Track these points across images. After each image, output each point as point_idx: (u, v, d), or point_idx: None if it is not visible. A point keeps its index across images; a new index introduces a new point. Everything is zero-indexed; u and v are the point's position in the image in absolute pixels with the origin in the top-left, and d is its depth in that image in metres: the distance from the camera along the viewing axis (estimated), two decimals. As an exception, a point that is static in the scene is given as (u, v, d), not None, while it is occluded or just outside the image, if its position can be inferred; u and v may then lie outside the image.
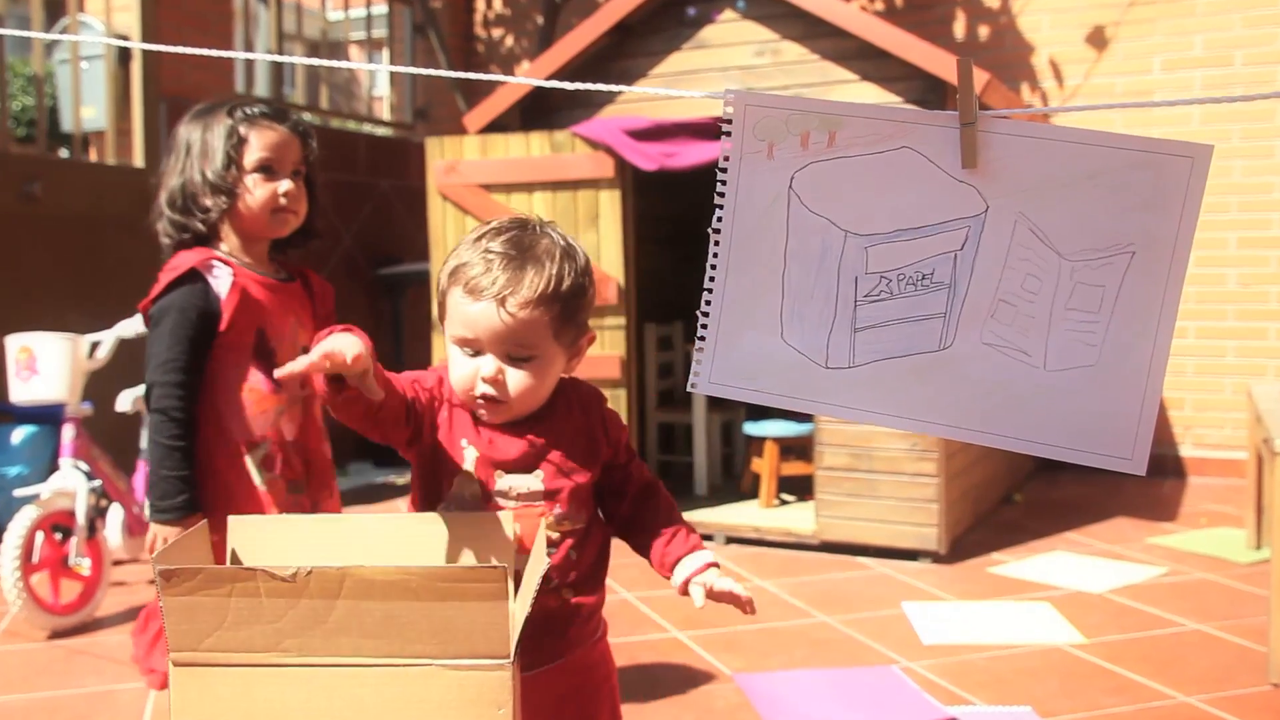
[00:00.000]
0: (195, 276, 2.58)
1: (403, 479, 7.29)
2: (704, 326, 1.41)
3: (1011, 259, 1.36)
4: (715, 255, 1.41)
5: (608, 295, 5.42)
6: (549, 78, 5.55)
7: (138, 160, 6.29)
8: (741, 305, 1.41)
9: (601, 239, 5.46)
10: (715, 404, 6.30)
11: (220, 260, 2.60)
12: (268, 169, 2.60)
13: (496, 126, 5.76)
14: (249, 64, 7.81)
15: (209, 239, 2.65)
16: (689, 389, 1.43)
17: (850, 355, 1.40)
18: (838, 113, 1.37)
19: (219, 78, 6.89)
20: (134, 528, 4.61)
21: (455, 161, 5.63)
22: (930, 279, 1.37)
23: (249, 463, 2.52)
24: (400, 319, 7.94)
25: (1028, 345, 1.37)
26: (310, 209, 2.70)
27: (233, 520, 1.63)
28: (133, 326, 4.48)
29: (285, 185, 2.61)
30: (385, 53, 9.42)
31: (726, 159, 1.39)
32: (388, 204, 8.14)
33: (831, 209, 1.38)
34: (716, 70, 5.40)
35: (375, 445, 7.74)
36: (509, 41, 8.90)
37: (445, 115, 8.60)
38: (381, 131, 8.94)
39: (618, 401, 5.52)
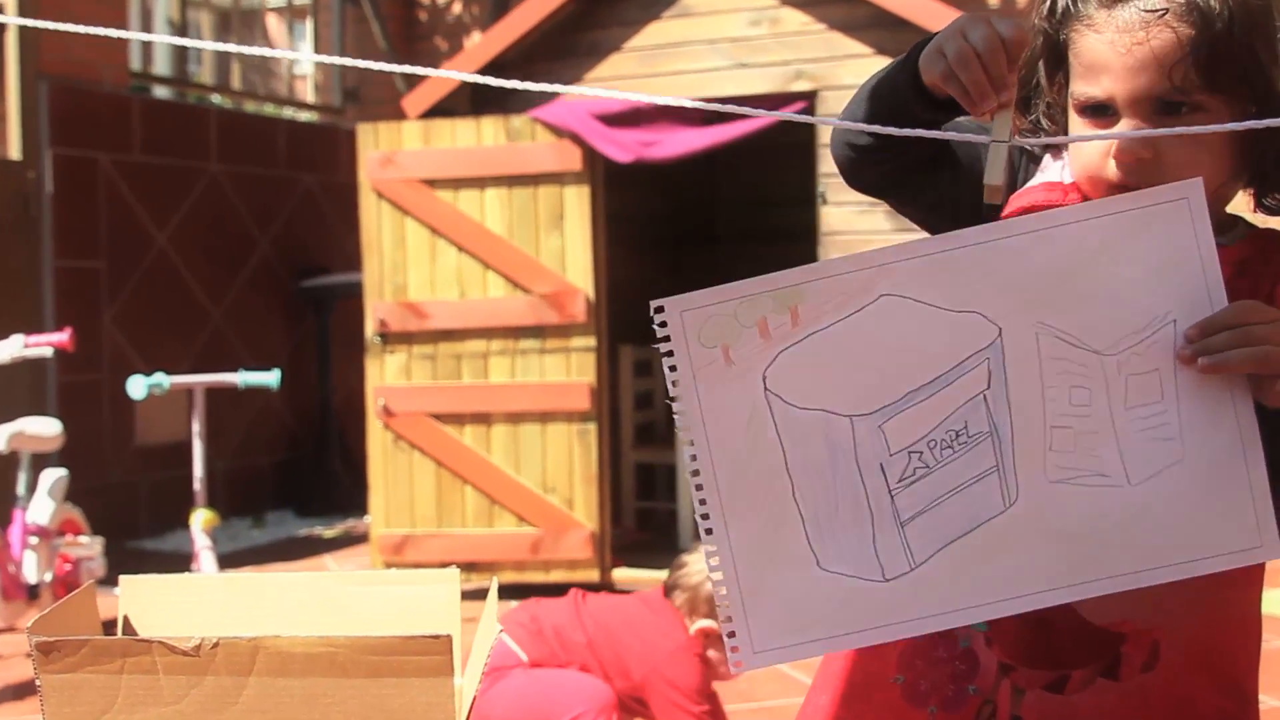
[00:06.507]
0: None
1: (331, 531, 7.26)
2: (722, 593, 1.36)
3: (1048, 377, 1.35)
4: (703, 503, 1.36)
5: (574, 311, 5.43)
6: (505, 51, 5.57)
7: (13, 151, 6.27)
8: (758, 550, 1.36)
9: (566, 244, 5.46)
10: (703, 440, 6.29)
11: None
12: None
13: (442, 110, 5.77)
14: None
15: None
16: (733, 673, 1.38)
17: (908, 556, 1.36)
18: (791, 283, 1.34)
19: (112, 53, 6.89)
20: (9, 590, 4.58)
21: (392, 152, 5.63)
22: (966, 434, 1.35)
23: None
24: (327, 339, 7.93)
25: (1102, 466, 1.35)
26: None
27: (125, 580, 1.62)
28: (9, 349, 4.45)
29: None
30: (309, 24, 9.43)
31: (675, 384, 1.34)
32: (312, 203, 8.14)
33: (823, 397, 1.35)
34: (703, 43, 5.43)
35: (296, 491, 7.73)
36: (456, 8, 8.92)
37: (381, 97, 8.61)
38: (305, 116, 8.94)
39: (586, 437, 5.52)
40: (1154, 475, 1.35)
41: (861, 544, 1.36)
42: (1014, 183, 1.63)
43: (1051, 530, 1.36)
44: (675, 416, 1.35)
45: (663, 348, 1.34)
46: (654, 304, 1.34)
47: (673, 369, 1.35)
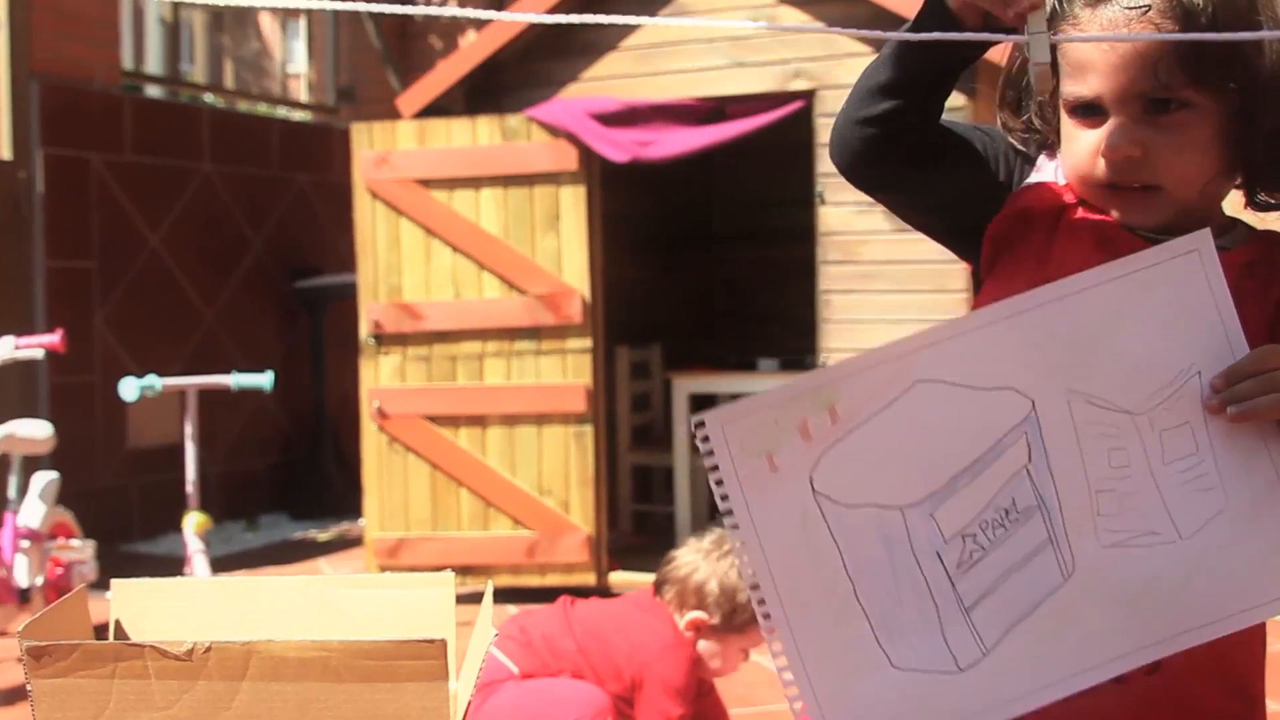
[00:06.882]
0: None
1: (325, 534, 7.26)
2: (796, 699, 1.35)
3: (1085, 442, 1.37)
4: (767, 617, 1.35)
5: (571, 312, 5.43)
6: (500, 50, 5.58)
7: (4, 150, 6.26)
8: (829, 658, 1.36)
9: (563, 244, 5.46)
10: (701, 442, 6.29)
11: None
12: None
13: (437, 110, 5.77)
14: (139, 35, 7.81)
15: None
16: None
17: (978, 642, 1.36)
18: (829, 381, 1.35)
19: (103, 51, 6.88)
20: (0, 594, 4.58)
21: (387, 152, 5.63)
22: (1015, 510, 1.36)
23: None
24: (321, 341, 7.92)
25: (1151, 524, 1.37)
26: None
27: (117, 584, 1.62)
28: (0, 350, 4.45)
29: None
30: (303, 22, 9.43)
31: (725, 498, 1.34)
32: (306, 203, 8.13)
33: (871, 492, 1.35)
34: (701, 42, 5.43)
35: (290, 494, 7.72)
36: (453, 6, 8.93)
37: (375, 96, 8.61)
38: (298, 116, 8.95)
39: (583, 440, 5.52)
40: (1202, 527, 1.37)
41: (931, 637, 1.36)
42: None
43: (1113, 595, 1.37)
44: (728, 531, 1.35)
45: (708, 462, 1.33)
46: (694, 419, 1.33)
47: (720, 483, 1.33)
